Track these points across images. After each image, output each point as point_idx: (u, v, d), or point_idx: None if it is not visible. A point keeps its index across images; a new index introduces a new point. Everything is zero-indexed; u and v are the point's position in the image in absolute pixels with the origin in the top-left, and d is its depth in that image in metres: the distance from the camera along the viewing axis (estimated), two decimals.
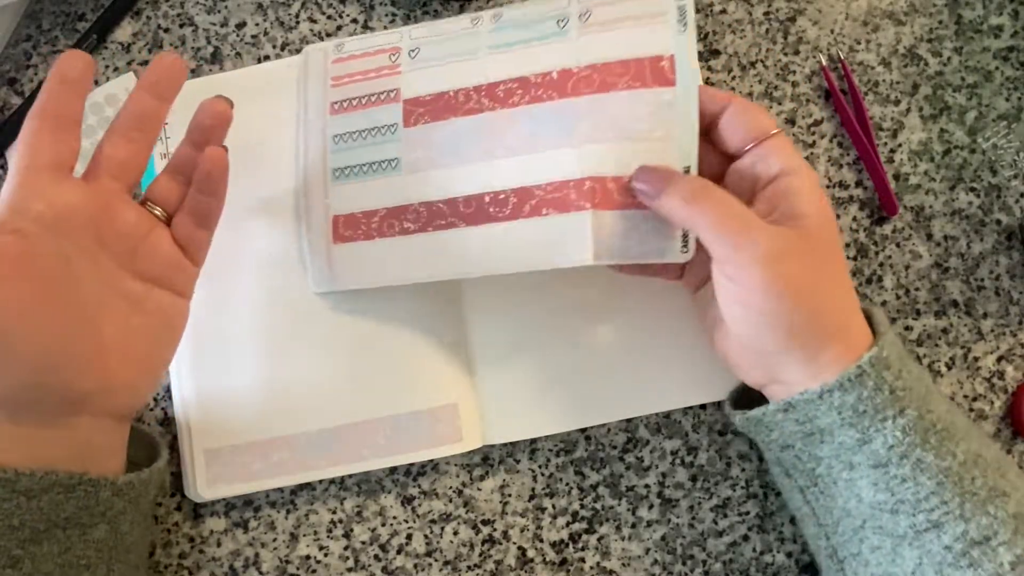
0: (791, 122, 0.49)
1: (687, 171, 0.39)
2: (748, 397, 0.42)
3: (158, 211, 0.40)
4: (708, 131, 0.40)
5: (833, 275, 0.38)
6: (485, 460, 0.46)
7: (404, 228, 0.43)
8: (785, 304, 0.36)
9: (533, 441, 0.46)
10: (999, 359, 0.47)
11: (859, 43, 0.50)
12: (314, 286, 0.45)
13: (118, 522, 0.38)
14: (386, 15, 0.50)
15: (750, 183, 0.39)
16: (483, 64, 0.42)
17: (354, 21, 0.50)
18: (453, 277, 0.43)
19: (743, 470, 0.46)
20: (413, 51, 0.44)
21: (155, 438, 0.43)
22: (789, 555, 0.46)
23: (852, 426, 0.36)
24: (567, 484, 0.46)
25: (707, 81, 0.49)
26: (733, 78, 0.50)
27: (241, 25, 0.50)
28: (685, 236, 0.39)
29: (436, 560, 0.46)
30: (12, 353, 0.34)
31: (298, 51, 0.49)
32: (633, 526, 0.46)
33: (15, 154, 0.36)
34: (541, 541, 0.46)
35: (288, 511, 0.46)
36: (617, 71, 0.39)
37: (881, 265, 0.48)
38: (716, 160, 0.41)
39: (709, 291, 0.39)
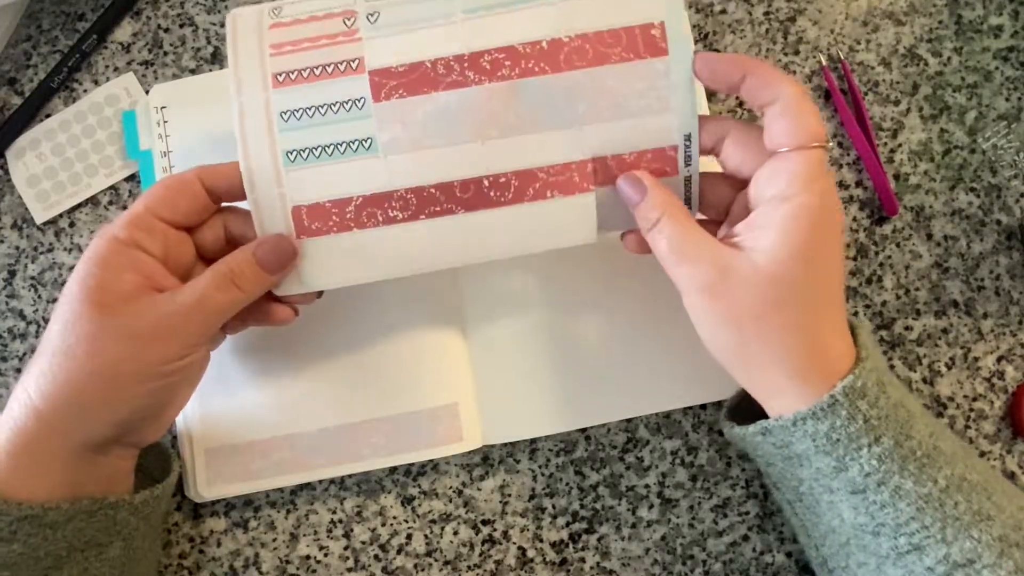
0: None
1: (688, 138, 0.38)
2: (748, 402, 0.42)
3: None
4: (760, 112, 0.38)
5: (805, 303, 0.36)
6: (485, 460, 0.46)
7: (390, 217, 0.39)
8: (725, 337, 0.36)
9: (533, 441, 0.46)
10: (999, 359, 0.47)
11: (859, 43, 0.50)
12: (279, 289, 0.40)
13: (132, 538, 0.39)
14: None
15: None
16: (460, 30, 0.38)
17: None
18: (451, 266, 0.40)
19: (743, 470, 0.46)
20: (372, 15, 0.39)
21: (167, 449, 0.44)
22: (789, 555, 0.46)
23: (827, 454, 0.35)
24: (567, 484, 0.46)
25: None
26: None
27: None
28: (689, 199, 0.40)
29: (436, 560, 0.46)
30: (121, 403, 0.36)
31: None
32: (633, 526, 0.46)
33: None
34: (541, 541, 0.46)
35: (288, 511, 0.46)
36: (608, 41, 0.38)
37: (881, 265, 0.48)
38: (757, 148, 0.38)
39: None
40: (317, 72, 0.38)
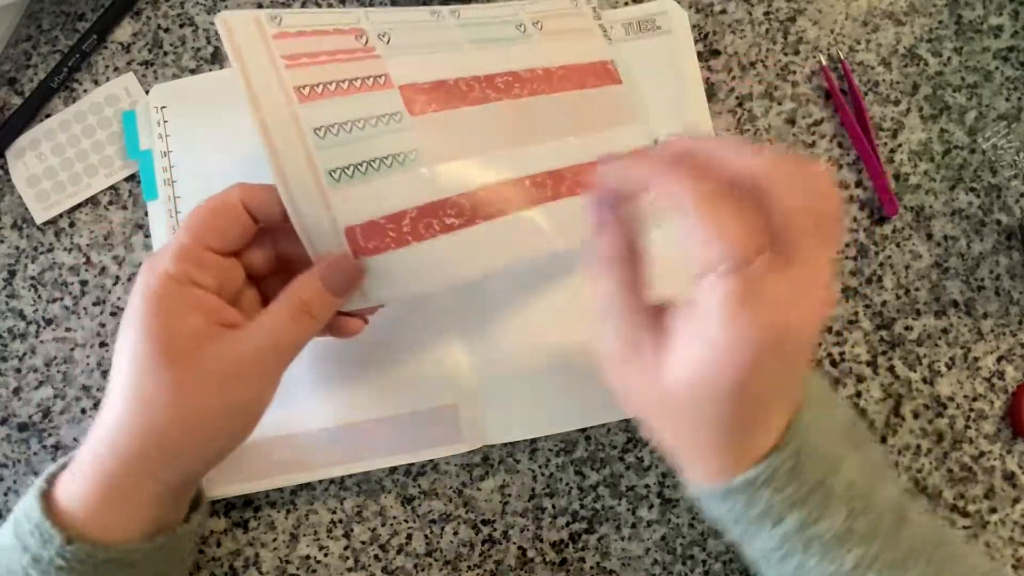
0: (791, 122, 0.49)
1: (656, 143, 0.46)
2: None
3: None
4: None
5: (716, 421, 0.33)
6: (485, 460, 0.46)
7: (447, 225, 0.38)
8: (630, 408, 0.36)
9: (533, 441, 0.46)
10: (999, 359, 0.47)
11: (859, 43, 0.50)
12: (346, 307, 0.39)
13: (186, 559, 0.41)
14: None
15: None
16: (471, 57, 0.41)
17: None
18: (515, 264, 0.40)
19: None
20: (383, 35, 0.39)
21: None
22: None
23: (736, 524, 0.36)
24: (567, 484, 0.46)
25: (707, 81, 0.49)
26: (733, 78, 0.50)
27: None
28: None
29: (436, 560, 0.46)
30: (208, 445, 0.37)
31: None
32: (633, 526, 0.46)
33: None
34: (541, 541, 0.46)
35: (288, 511, 0.46)
36: (584, 71, 0.45)
37: (881, 265, 0.48)
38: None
39: None
40: (344, 86, 0.37)
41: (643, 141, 0.46)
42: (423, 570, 0.46)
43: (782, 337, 0.30)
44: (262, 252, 0.39)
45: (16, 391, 0.47)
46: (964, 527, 0.46)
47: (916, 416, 0.47)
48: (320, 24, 0.38)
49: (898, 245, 0.48)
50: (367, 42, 0.38)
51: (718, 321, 0.30)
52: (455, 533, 0.46)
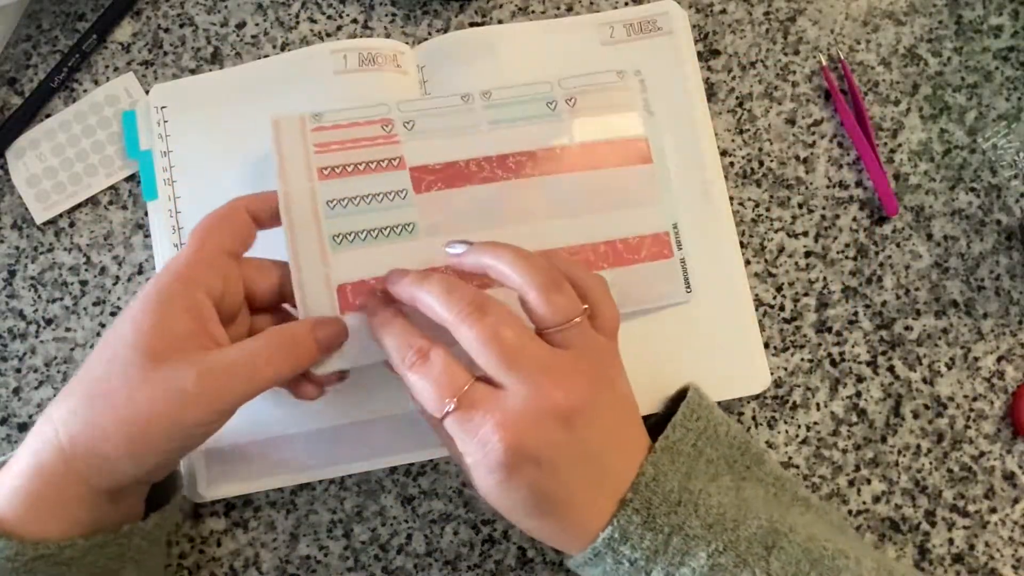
0: (791, 122, 0.49)
1: (675, 227, 0.46)
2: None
3: None
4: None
5: (532, 500, 0.36)
6: None
7: None
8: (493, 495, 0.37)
9: None
10: (999, 359, 0.47)
11: (859, 43, 0.50)
12: (319, 368, 0.40)
13: (143, 560, 0.39)
14: (386, 15, 0.50)
15: None
16: (487, 138, 0.44)
17: (354, 21, 0.50)
18: None
19: None
20: (408, 123, 0.44)
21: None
22: None
23: None
24: None
25: (707, 81, 0.49)
26: (733, 78, 0.50)
27: (241, 25, 0.50)
28: (687, 280, 0.45)
29: (436, 560, 0.46)
30: (147, 458, 0.36)
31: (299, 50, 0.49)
32: None
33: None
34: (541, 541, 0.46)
35: (288, 511, 0.46)
36: (607, 150, 0.46)
37: (881, 265, 0.48)
38: None
39: None
40: (361, 167, 0.43)
41: (659, 224, 0.45)
42: (423, 570, 0.46)
43: (515, 454, 0.34)
44: (265, 283, 0.41)
45: (16, 391, 0.47)
46: (964, 527, 0.46)
47: (916, 416, 0.47)
48: (354, 117, 0.44)
49: (898, 245, 0.48)
50: (391, 130, 0.44)
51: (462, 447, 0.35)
52: (455, 533, 0.46)
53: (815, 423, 0.47)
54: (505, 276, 0.37)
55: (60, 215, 0.48)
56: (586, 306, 0.37)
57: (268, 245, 0.41)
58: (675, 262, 0.45)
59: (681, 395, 0.42)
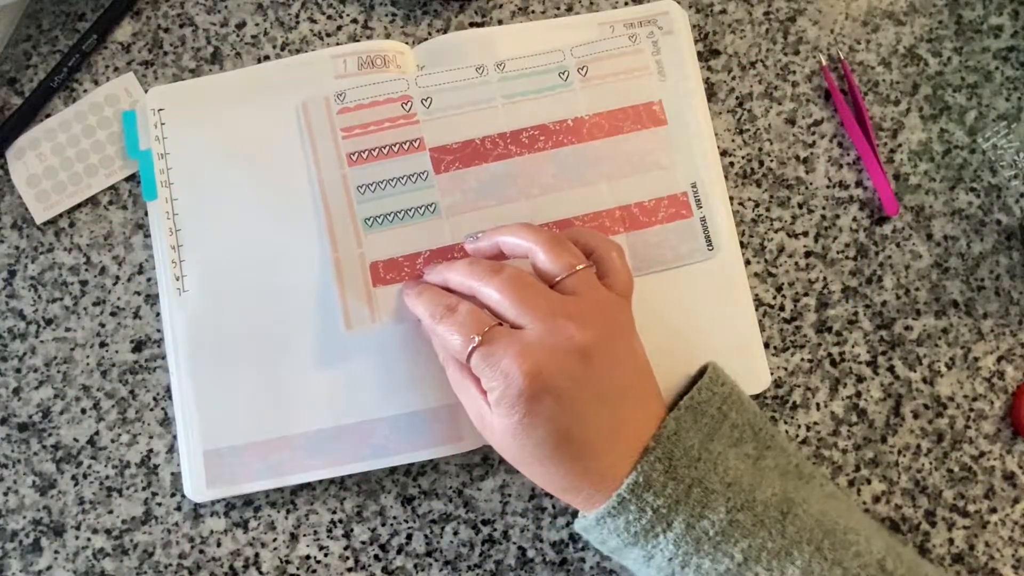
0: (791, 122, 0.49)
1: (693, 186, 0.47)
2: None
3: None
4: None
5: (551, 454, 0.37)
6: (485, 460, 0.46)
7: None
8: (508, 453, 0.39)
9: None
10: (999, 359, 0.47)
11: (859, 43, 0.50)
12: (348, 326, 0.45)
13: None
14: (386, 15, 0.50)
15: None
16: (501, 113, 0.47)
17: (354, 21, 0.50)
18: None
19: None
20: (426, 100, 0.47)
21: None
22: None
23: (634, 545, 0.37)
24: None
25: (707, 81, 0.49)
26: (733, 78, 0.50)
27: (241, 25, 0.50)
28: (708, 238, 0.46)
29: (436, 560, 0.46)
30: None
31: (298, 51, 0.49)
32: None
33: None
34: (541, 541, 0.46)
35: (288, 511, 0.46)
36: (620, 116, 0.47)
37: (881, 265, 0.48)
38: None
39: None
40: (385, 151, 0.47)
41: (676, 185, 0.47)
42: (423, 570, 0.46)
43: (534, 381, 0.36)
44: None
45: (16, 391, 0.47)
46: (964, 527, 0.46)
47: (916, 416, 0.47)
48: (375, 95, 0.47)
49: (898, 245, 0.48)
50: (411, 108, 0.47)
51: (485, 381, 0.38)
52: (455, 533, 0.46)
53: (815, 423, 0.47)
54: (515, 246, 0.41)
55: (60, 215, 0.48)
56: (591, 263, 0.40)
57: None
58: (694, 221, 0.47)
59: (693, 381, 0.43)
